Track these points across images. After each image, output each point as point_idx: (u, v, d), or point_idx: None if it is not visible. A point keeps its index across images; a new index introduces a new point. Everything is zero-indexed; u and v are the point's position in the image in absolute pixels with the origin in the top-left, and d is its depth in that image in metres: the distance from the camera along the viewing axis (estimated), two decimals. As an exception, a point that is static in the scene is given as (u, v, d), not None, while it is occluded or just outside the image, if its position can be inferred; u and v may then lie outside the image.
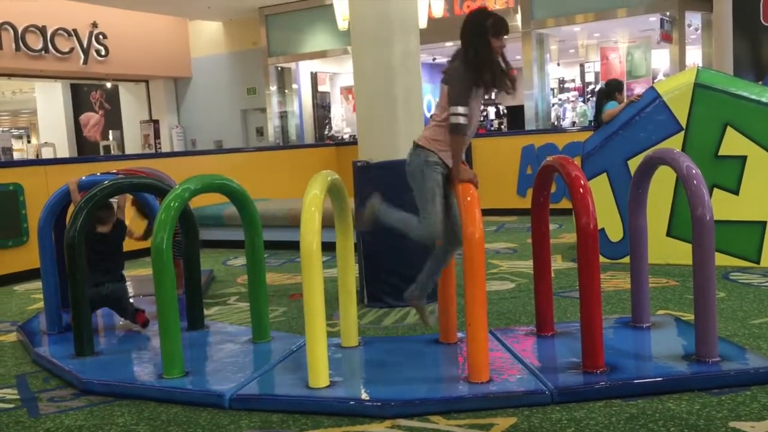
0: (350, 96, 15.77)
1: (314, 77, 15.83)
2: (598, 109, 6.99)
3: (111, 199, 4.59)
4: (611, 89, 6.95)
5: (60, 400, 3.42)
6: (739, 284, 4.97)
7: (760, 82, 6.21)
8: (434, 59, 17.71)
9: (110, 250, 4.52)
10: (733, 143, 5.42)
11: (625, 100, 6.64)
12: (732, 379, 3.09)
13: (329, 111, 16.28)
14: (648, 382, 3.11)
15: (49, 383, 3.69)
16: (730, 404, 2.90)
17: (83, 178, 4.76)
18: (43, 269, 4.65)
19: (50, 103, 18.04)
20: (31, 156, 17.88)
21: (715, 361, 3.22)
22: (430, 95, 18.07)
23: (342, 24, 10.94)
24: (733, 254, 5.45)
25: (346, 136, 15.39)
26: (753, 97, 5.44)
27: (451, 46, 14.69)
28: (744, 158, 5.40)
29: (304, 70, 15.57)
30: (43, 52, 13.79)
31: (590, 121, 13.29)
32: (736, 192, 5.42)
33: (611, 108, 6.60)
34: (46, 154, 15.55)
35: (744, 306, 4.41)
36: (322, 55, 14.75)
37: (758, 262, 5.41)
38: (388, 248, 4.82)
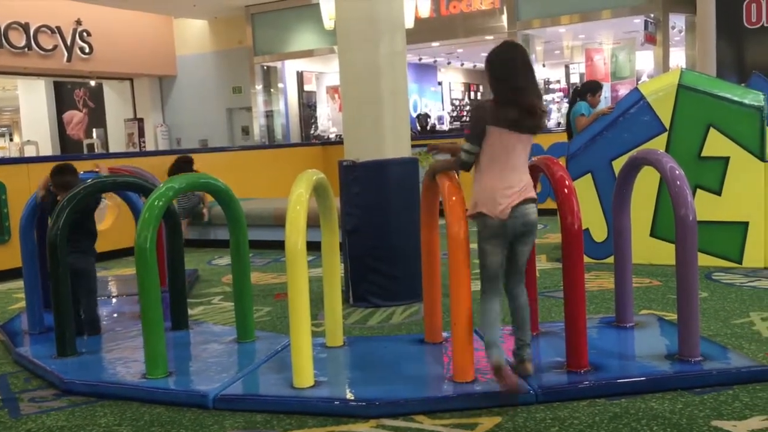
0: (336, 95, 15.76)
1: (300, 76, 15.80)
2: (569, 110, 6.98)
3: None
4: (584, 90, 6.94)
5: (41, 400, 3.39)
6: (721, 284, 5.01)
7: (743, 84, 6.26)
8: (420, 59, 17.73)
9: (78, 219, 4.16)
10: (716, 144, 5.46)
11: (599, 107, 6.65)
12: (714, 379, 3.12)
13: (315, 110, 16.25)
14: (631, 382, 3.13)
15: (31, 383, 3.66)
16: (712, 403, 2.92)
17: None
18: (25, 268, 4.61)
19: (33, 101, 17.88)
20: (14, 154, 17.69)
21: (697, 361, 3.25)
22: (416, 95, 18.10)
23: (328, 23, 10.91)
24: (716, 254, 5.49)
25: (332, 136, 15.37)
26: (736, 98, 5.48)
27: (438, 46, 14.72)
28: (727, 159, 5.44)
29: (290, 69, 15.53)
30: (26, 49, 13.66)
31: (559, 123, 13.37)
32: (718, 193, 5.47)
33: (582, 110, 6.62)
34: (29, 152, 15.42)
35: (726, 306, 4.44)
36: (308, 54, 14.73)
37: (740, 263, 5.46)
38: (373, 248, 4.82)
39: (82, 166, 6.69)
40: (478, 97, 21.91)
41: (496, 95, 3.11)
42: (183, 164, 7.82)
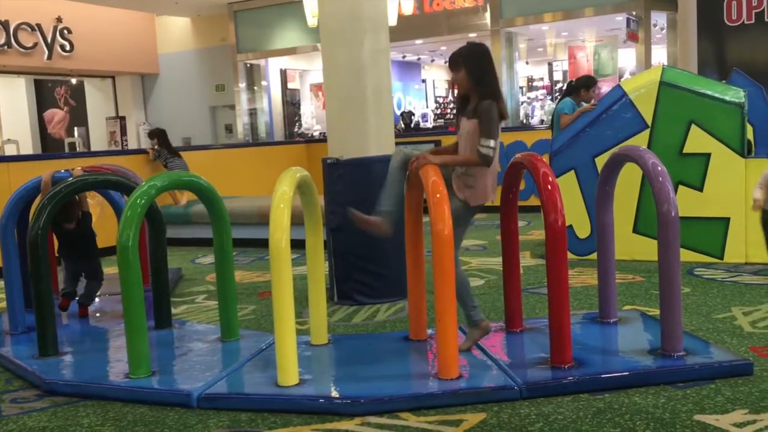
0: (320, 93, 15.71)
1: (284, 74, 15.74)
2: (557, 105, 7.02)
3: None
4: (578, 85, 6.98)
5: (23, 401, 3.36)
6: (703, 279, 5.05)
7: (724, 81, 6.32)
8: (404, 56, 17.72)
9: (80, 243, 4.63)
10: (698, 141, 5.50)
11: (590, 102, 6.70)
12: (697, 373, 3.15)
13: (299, 108, 16.21)
14: (615, 377, 3.15)
15: (12, 384, 3.62)
16: (694, 398, 2.95)
17: (56, 173, 4.70)
18: (5, 268, 4.55)
19: (13, 99, 17.68)
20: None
21: (680, 356, 3.27)
22: (400, 93, 18.09)
23: (311, 21, 10.89)
24: (698, 250, 5.54)
25: (316, 134, 15.33)
26: (717, 95, 5.53)
27: (421, 43, 14.73)
28: (708, 156, 5.49)
29: (273, 66, 15.47)
30: (5, 47, 13.50)
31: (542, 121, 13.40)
32: (700, 189, 5.51)
33: (566, 108, 6.65)
34: (9, 151, 15.25)
35: (708, 301, 4.48)
36: (291, 51, 14.67)
37: (722, 258, 5.51)
38: (357, 245, 4.81)
39: (62, 166, 6.62)
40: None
41: (488, 91, 3.32)
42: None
